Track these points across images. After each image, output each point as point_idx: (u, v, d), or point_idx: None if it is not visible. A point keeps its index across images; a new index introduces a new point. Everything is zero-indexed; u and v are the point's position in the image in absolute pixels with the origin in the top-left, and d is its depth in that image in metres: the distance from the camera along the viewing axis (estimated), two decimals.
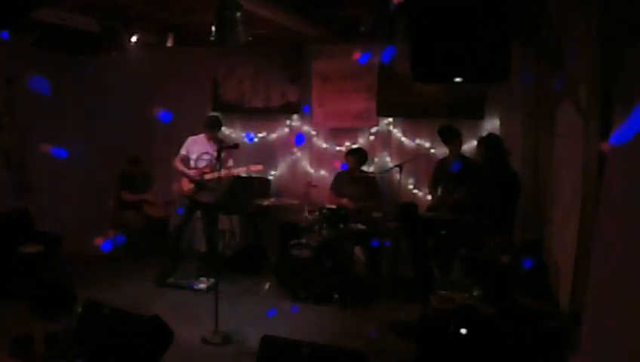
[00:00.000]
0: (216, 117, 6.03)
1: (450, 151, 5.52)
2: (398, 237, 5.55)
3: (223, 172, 5.42)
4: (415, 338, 3.91)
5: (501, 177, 4.70)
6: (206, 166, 5.76)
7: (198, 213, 6.00)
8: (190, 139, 5.90)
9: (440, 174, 5.58)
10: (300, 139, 6.58)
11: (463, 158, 5.43)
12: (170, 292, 5.43)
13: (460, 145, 5.49)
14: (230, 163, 5.74)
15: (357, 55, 6.11)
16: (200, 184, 5.71)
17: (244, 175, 6.68)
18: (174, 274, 5.75)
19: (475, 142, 5.49)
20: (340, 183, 6.08)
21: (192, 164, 5.83)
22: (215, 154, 5.37)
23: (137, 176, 6.80)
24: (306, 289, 5.15)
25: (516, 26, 3.87)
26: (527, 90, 5.10)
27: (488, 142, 4.84)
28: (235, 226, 6.51)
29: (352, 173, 5.95)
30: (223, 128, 6.86)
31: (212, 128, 5.80)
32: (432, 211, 5.40)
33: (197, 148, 5.83)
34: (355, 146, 6.25)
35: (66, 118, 7.15)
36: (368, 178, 5.99)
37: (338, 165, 6.21)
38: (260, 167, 5.72)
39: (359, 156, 5.94)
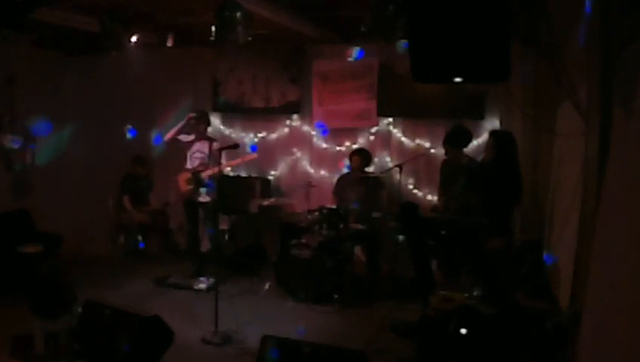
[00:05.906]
0: (204, 111, 6.08)
1: (446, 153, 5.27)
2: (398, 237, 5.55)
3: (218, 167, 5.43)
4: (415, 338, 3.91)
5: (508, 176, 4.54)
6: (200, 164, 5.78)
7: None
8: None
9: (451, 176, 5.23)
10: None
11: (471, 160, 5.19)
12: (170, 292, 5.43)
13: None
14: (223, 158, 5.77)
15: (350, 52, 6.09)
16: (197, 181, 5.71)
17: (243, 175, 6.70)
18: (202, 273, 5.70)
19: (475, 143, 5.48)
20: (343, 185, 6.04)
21: (188, 164, 5.86)
22: (207, 152, 5.42)
23: (141, 177, 6.80)
24: (306, 289, 5.15)
25: (516, 26, 3.87)
26: (527, 90, 5.10)
27: (500, 139, 4.61)
28: (235, 226, 6.51)
29: (356, 173, 5.92)
30: (223, 128, 6.89)
31: (200, 118, 5.80)
32: (438, 212, 5.28)
33: (194, 148, 5.89)
34: (358, 146, 6.23)
35: (66, 118, 7.15)
36: (372, 178, 5.93)
37: (342, 165, 6.18)
38: (254, 156, 5.75)
39: (364, 156, 5.91)
